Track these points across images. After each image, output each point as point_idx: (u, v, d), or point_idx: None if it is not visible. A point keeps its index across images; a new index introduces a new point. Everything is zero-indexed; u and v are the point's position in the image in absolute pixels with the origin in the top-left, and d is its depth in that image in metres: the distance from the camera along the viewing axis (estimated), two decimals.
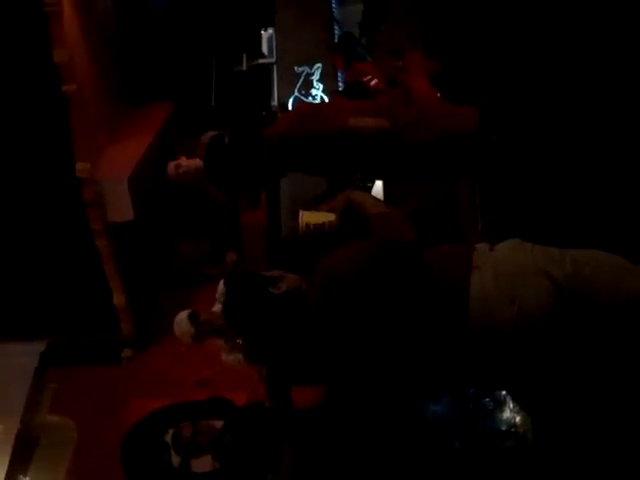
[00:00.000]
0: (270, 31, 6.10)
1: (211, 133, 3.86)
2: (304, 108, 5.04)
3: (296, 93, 5.75)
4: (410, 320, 2.68)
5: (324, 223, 3.02)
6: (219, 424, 4.02)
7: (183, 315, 3.94)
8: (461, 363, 2.73)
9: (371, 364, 2.83)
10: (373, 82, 5.13)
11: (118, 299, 5.66)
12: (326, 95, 5.73)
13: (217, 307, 4.09)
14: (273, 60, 6.08)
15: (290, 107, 5.73)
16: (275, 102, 5.92)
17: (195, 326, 3.88)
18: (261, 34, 6.17)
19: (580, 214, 3.87)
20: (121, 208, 5.28)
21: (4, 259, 5.50)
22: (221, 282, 3.17)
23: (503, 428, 3.61)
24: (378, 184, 4.56)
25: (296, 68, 5.79)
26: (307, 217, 3.06)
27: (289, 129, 3.73)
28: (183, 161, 3.92)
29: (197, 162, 3.85)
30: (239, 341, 3.34)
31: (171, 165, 3.98)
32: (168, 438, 4.03)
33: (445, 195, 4.61)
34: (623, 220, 3.76)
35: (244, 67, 6.25)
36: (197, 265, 6.40)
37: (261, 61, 6.18)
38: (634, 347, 2.70)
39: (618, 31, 4.10)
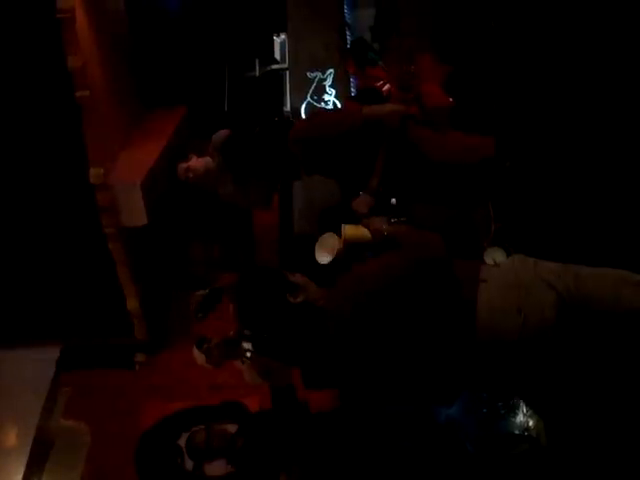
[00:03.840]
0: (282, 36, 6.10)
1: (224, 132, 3.86)
2: (314, 112, 5.09)
3: (308, 99, 5.76)
4: (424, 329, 2.74)
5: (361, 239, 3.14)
6: (232, 428, 4.04)
7: (196, 352, 3.95)
8: (470, 370, 2.81)
9: (385, 369, 2.86)
10: (385, 87, 5.13)
11: (131, 303, 5.67)
12: (339, 100, 5.73)
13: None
14: (286, 66, 6.08)
15: (303, 112, 5.74)
16: (288, 108, 5.92)
17: (206, 354, 3.90)
18: (274, 39, 6.17)
19: (591, 227, 3.91)
20: (134, 213, 5.29)
21: (18, 264, 5.52)
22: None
23: (516, 432, 3.61)
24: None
25: (308, 74, 5.79)
26: (348, 230, 3.16)
27: (302, 130, 3.74)
28: (193, 162, 3.93)
29: (207, 161, 3.85)
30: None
31: (181, 167, 3.99)
32: (182, 442, 4.06)
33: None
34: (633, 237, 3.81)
35: (257, 73, 6.25)
36: (209, 269, 6.41)
37: (274, 67, 6.17)
38: (634, 356, 2.77)
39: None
